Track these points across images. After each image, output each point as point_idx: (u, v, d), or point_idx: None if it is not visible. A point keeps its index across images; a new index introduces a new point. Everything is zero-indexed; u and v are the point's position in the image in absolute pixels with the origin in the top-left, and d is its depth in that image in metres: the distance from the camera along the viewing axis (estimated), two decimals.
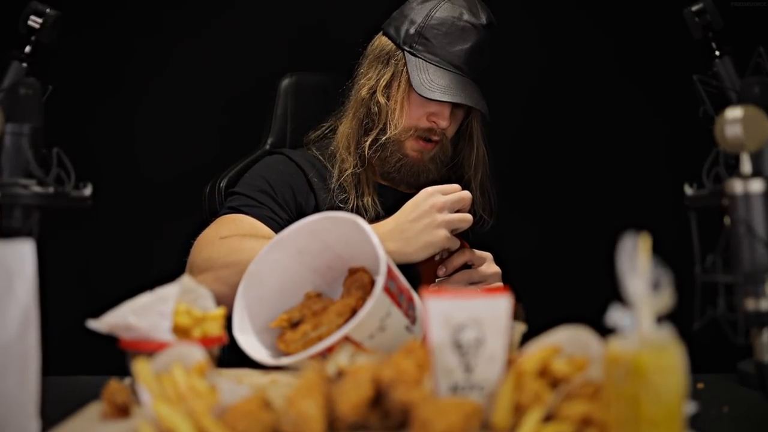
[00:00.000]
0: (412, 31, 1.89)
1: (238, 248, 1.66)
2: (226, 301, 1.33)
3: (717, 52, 1.45)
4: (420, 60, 1.86)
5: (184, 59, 2.52)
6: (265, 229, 1.77)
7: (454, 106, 1.87)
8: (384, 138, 1.89)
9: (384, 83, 1.91)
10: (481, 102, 1.86)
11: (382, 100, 1.89)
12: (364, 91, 1.93)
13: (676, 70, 1.85)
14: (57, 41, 1.48)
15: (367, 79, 1.94)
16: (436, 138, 1.89)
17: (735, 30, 1.52)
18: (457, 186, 1.71)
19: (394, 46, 1.92)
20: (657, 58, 2.51)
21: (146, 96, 2.50)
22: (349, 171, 1.91)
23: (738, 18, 1.64)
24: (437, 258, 1.74)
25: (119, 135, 2.50)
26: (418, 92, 1.82)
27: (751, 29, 1.60)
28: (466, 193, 1.70)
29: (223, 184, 2.06)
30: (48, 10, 1.46)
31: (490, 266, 1.79)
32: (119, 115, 2.49)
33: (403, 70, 1.89)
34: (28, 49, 1.41)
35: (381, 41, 1.96)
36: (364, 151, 1.91)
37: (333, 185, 1.91)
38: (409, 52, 1.88)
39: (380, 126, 1.90)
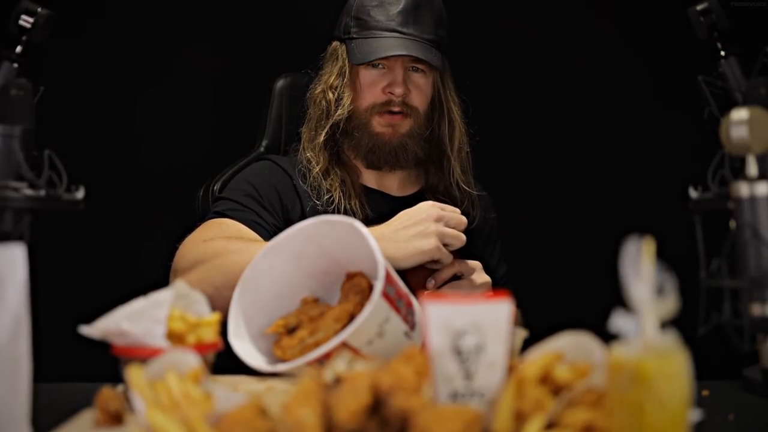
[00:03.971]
0: (348, 19, 1.92)
1: (223, 250, 1.65)
2: (211, 303, 1.32)
3: (722, 53, 1.44)
4: (358, 40, 1.89)
5: (179, 61, 2.52)
6: (250, 233, 1.76)
7: (411, 71, 1.88)
8: (331, 122, 1.91)
9: (332, 78, 1.93)
10: (426, 53, 1.86)
11: (330, 94, 1.91)
12: (316, 90, 1.96)
13: (680, 71, 1.84)
14: (48, 41, 1.46)
15: (318, 81, 1.97)
16: (397, 109, 1.89)
17: (740, 30, 1.50)
18: (457, 209, 1.71)
19: (338, 42, 1.95)
20: (661, 59, 2.51)
21: (139, 98, 2.50)
22: (316, 170, 1.91)
23: (743, 18, 1.62)
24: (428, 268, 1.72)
25: (112, 137, 2.50)
26: (356, 63, 1.86)
27: (757, 29, 1.58)
28: (464, 218, 1.70)
29: (216, 187, 2.06)
30: (39, 10, 1.44)
31: (479, 276, 1.77)
32: (112, 117, 2.49)
33: (346, 57, 1.91)
34: (19, 49, 1.39)
35: (331, 45, 1.99)
36: (320, 143, 1.92)
37: (309, 186, 1.89)
38: (348, 39, 1.91)
39: (333, 117, 1.91)
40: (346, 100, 1.90)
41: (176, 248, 1.76)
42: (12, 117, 1.24)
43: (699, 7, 1.47)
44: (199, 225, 1.81)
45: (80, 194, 1.26)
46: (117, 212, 2.44)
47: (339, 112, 1.89)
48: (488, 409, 1.01)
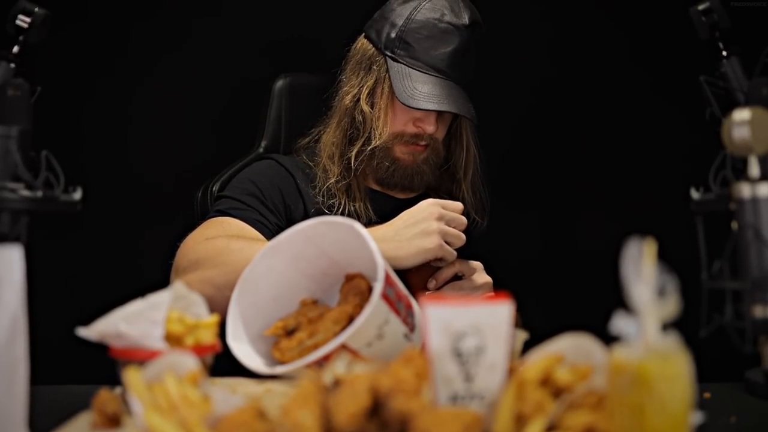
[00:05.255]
0: (393, 35, 1.86)
1: (225, 249, 1.64)
2: (212, 303, 1.31)
3: (724, 53, 1.43)
4: (402, 66, 1.84)
5: (176, 61, 2.51)
6: (252, 232, 1.75)
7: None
8: (369, 148, 1.88)
9: (367, 91, 1.89)
10: (466, 106, 1.84)
11: (366, 108, 1.88)
12: (347, 100, 1.91)
13: (682, 71, 1.83)
14: (46, 41, 1.45)
15: (351, 87, 1.92)
16: (423, 142, 1.88)
17: (742, 30, 1.50)
18: (459, 205, 1.70)
19: (376, 51, 1.89)
20: (662, 59, 2.50)
21: (137, 98, 2.49)
22: (332, 180, 1.89)
23: (744, 18, 1.62)
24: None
25: (109, 138, 2.49)
26: (401, 101, 1.80)
27: (758, 30, 1.58)
28: (464, 218, 1.69)
29: (215, 188, 2.05)
30: (36, 9, 1.42)
31: (480, 276, 1.77)
32: (110, 117, 2.48)
33: (385, 76, 1.87)
34: (16, 49, 1.37)
35: (363, 45, 1.93)
36: (350, 162, 1.89)
37: (319, 192, 1.88)
38: (391, 58, 1.86)
39: (365, 135, 1.88)
40: (382, 126, 1.87)
41: (177, 248, 1.75)
42: (9, 117, 1.23)
43: (700, 7, 1.46)
44: (200, 224, 1.80)
45: (77, 195, 1.25)
46: (114, 213, 2.43)
47: (376, 138, 1.86)
48: (488, 411, 1.00)
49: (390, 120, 1.87)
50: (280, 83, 2.20)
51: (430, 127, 1.85)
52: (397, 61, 1.85)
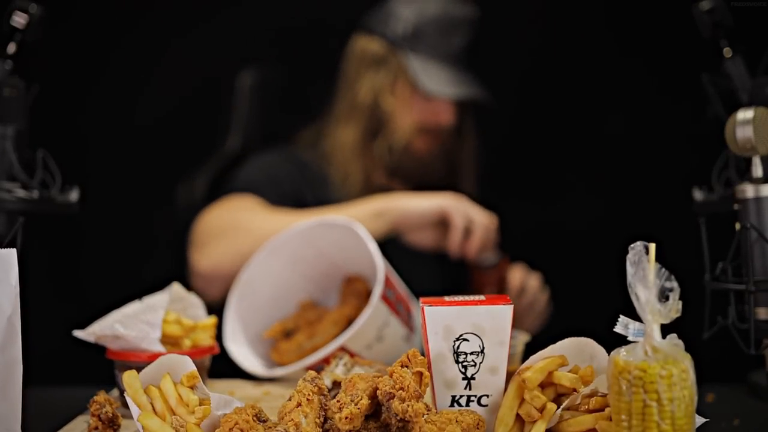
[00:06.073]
0: (406, 29, 1.87)
1: (242, 219, 1.68)
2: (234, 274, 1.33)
3: (728, 52, 1.42)
4: (421, 58, 1.86)
5: (172, 60, 2.49)
6: (266, 205, 1.76)
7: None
8: (395, 141, 1.89)
9: (386, 86, 1.89)
10: (485, 93, 1.88)
11: (388, 103, 1.88)
12: (366, 97, 1.90)
13: (685, 70, 1.82)
14: (42, 39, 1.43)
15: (365, 83, 1.91)
16: (440, 133, 1.90)
17: (744, 30, 1.49)
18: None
19: (387, 47, 1.90)
20: (665, 58, 2.49)
21: (134, 97, 2.47)
22: (354, 177, 1.89)
23: (747, 17, 1.61)
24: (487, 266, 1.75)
25: (106, 138, 2.48)
26: (429, 91, 1.82)
27: (761, 29, 1.57)
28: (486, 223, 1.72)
29: (205, 183, 2.03)
30: (33, 7, 1.40)
31: (534, 278, 1.84)
32: (106, 117, 2.47)
33: (403, 70, 1.88)
34: (12, 47, 1.35)
35: (367, 42, 1.93)
36: (372, 158, 1.90)
37: (335, 191, 1.88)
38: (409, 52, 1.86)
39: (388, 130, 1.89)
40: (405, 119, 1.89)
41: (181, 248, 1.75)
42: (5, 117, 1.22)
43: (704, 6, 1.45)
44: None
45: (74, 196, 1.24)
46: (112, 214, 2.42)
47: (400, 131, 1.88)
48: (489, 414, 1.00)
49: (411, 112, 1.88)
50: (252, 76, 2.16)
51: (449, 116, 1.87)
52: (416, 55, 1.86)
